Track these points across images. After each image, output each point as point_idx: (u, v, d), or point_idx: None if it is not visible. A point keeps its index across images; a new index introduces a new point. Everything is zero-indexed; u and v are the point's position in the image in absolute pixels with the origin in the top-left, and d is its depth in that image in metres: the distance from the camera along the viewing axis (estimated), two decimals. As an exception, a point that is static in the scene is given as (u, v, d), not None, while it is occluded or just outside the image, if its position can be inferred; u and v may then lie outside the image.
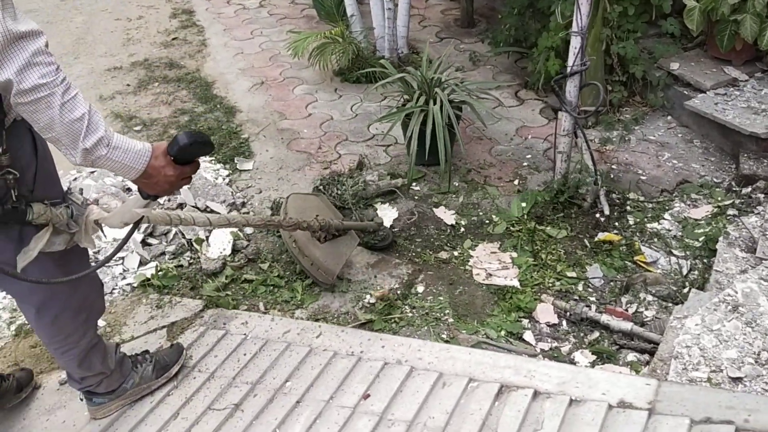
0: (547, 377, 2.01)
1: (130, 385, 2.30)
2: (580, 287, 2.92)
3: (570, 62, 3.06)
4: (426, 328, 2.69)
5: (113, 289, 2.95)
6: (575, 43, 3.01)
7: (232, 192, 3.52)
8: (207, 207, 3.34)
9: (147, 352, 2.41)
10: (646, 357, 2.53)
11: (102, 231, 1.92)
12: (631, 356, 2.54)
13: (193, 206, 3.31)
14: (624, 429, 1.76)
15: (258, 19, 5.96)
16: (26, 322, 2.76)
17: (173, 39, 5.58)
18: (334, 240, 2.93)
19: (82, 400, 2.29)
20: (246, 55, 5.23)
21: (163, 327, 2.70)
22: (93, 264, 1.99)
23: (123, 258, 3.05)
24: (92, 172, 3.46)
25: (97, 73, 5.01)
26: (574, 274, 2.98)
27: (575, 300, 2.87)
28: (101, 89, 4.77)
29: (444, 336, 2.63)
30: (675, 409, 1.79)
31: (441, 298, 2.87)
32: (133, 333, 2.69)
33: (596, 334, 2.71)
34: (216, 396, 2.25)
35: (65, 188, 1.89)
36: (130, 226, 1.87)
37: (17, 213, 1.69)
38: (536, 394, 1.96)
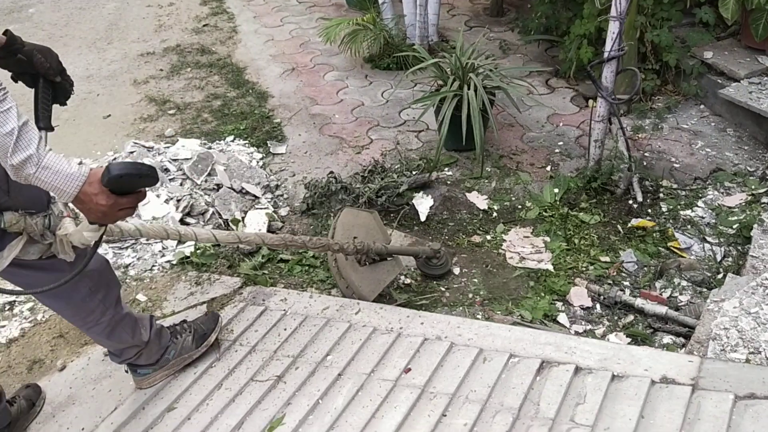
0: (588, 353, 2.03)
1: (171, 356, 2.35)
2: (613, 272, 2.94)
3: (607, 47, 3.07)
4: (461, 308, 2.73)
5: (153, 266, 3.01)
6: (613, 28, 3.01)
7: (266, 174, 3.57)
8: (242, 188, 3.39)
9: (185, 321, 2.45)
10: (682, 340, 2.54)
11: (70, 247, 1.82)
12: (667, 339, 2.56)
13: (229, 187, 3.36)
14: (667, 404, 1.79)
15: (287, 6, 6.00)
16: (70, 295, 2.83)
17: (204, 25, 5.64)
18: (376, 264, 2.71)
19: (127, 372, 2.35)
20: (276, 42, 5.27)
21: (203, 303, 2.75)
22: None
23: (162, 236, 3.11)
24: (131, 153, 3.52)
25: (131, 58, 5.08)
26: (607, 259, 3.00)
27: (609, 284, 2.88)
28: (135, 74, 4.84)
29: (479, 317, 2.66)
30: (718, 385, 1.81)
31: (475, 280, 2.90)
32: (174, 308, 2.75)
33: (630, 317, 2.72)
34: (258, 368, 2.30)
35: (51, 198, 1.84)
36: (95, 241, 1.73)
37: None
38: (578, 369, 1.99)
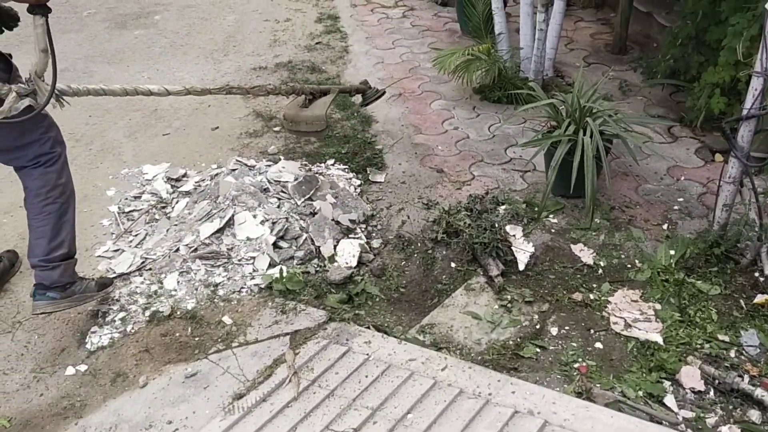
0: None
1: (77, 290, 2.71)
2: (732, 353, 2.63)
3: (747, 104, 2.77)
4: (556, 374, 2.52)
5: (242, 288, 2.99)
6: (756, 84, 2.72)
7: (370, 208, 3.48)
8: (338, 221, 3.32)
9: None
10: (811, 447, 2.22)
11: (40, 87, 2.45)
12: (793, 443, 2.24)
13: (332, 220, 3.30)
14: None
15: (401, 29, 5.96)
16: (161, 310, 2.85)
17: (317, 43, 5.69)
18: (315, 100, 3.78)
19: (32, 296, 2.67)
20: (386, 65, 5.22)
21: (287, 334, 2.69)
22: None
23: (254, 258, 3.08)
24: (233, 170, 3.54)
25: (244, 71, 5.18)
26: (726, 338, 2.69)
27: (726, 367, 2.58)
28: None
29: (576, 387, 2.44)
30: None
31: (574, 344, 2.67)
32: (257, 335, 2.71)
33: (748, 409, 2.42)
34: (335, 416, 2.20)
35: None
36: None
37: None
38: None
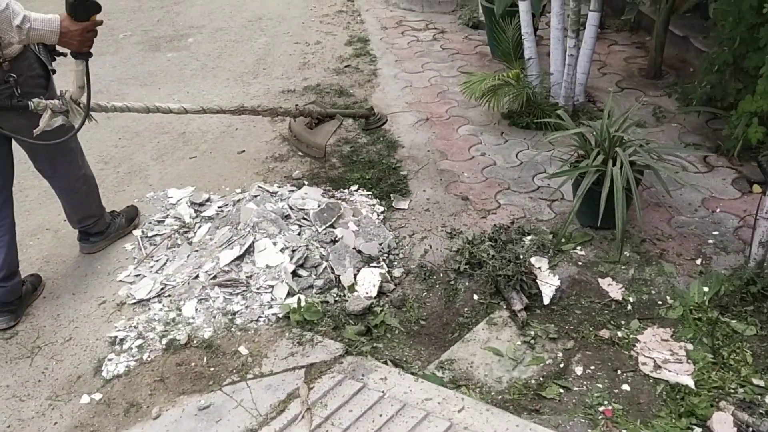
0: None
1: (112, 230, 3.51)
2: (767, 399, 2.49)
3: (786, 137, 2.65)
4: (580, 418, 2.41)
5: (259, 317, 2.95)
6: (795, 115, 2.60)
7: (393, 236, 3.42)
8: (359, 249, 3.26)
9: (115, 210, 3.62)
10: None
11: (80, 107, 2.74)
12: (835, 503, 2.09)
13: (353, 248, 3.25)
14: None
15: (430, 52, 5.93)
16: (178, 338, 2.83)
17: (346, 66, 5.69)
18: (322, 124, 3.77)
19: (79, 241, 3.46)
20: (414, 89, 5.19)
21: (302, 367, 2.64)
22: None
23: (272, 287, 3.05)
24: (255, 196, 3.52)
25: (272, 94, 5.20)
26: (761, 383, 2.55)
27: (761, 414, 2.44)
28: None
29: (600, 432, 2.33)
30: None
31: (600, 385, 2.56)
32: (272, 367, 2.66)
33: (787, 462, 2.27)
34: (346, 457, 2.13)
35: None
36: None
37: (21, 105, 2.65)
38: None
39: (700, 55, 4.96)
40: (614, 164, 3.09)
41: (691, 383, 2.55)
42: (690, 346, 2.74)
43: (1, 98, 2.64)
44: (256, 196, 3.49)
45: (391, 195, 3.80)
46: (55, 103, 2.69)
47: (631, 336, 2.81)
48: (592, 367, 2.65)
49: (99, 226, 3.42)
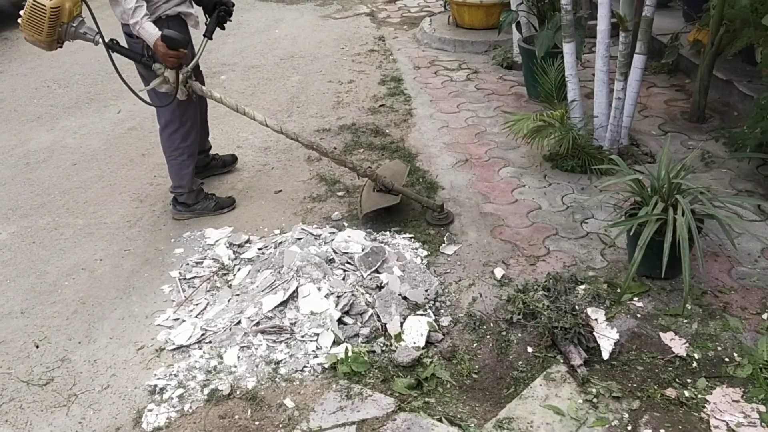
0: None
1: (198, 208, 4.01)
2: None
3: None
4: (654, 488, 2.24)
5: (304, 366, 2.82)
6: None
7: (439, 282, 3.29)
8: (405, 296, 3.14)
9: (213, 194, 4.15)
10: None
11: (185, 87, 3.62)
12: None
13: (399, 295, 3.13)
14: None
15: (465, 92, 5.87)
16: (220, 388, 2.70)
17: (380, 106, 5.64)
18: (383, 193, 3.79)
19: (169, 204, 4.10)
20: (451, 129, 5.11)
21: (353, 423, 2.50)
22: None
23: (318, 335, 2.92)
24: (298, 239, 3.42)
25: (307, 133, 5.14)
26: None
27: None
28: (310, 151, 4.85)
29: (678, 505, 2.16)
30: None
31: (672, 451, 2.40)
32: (321, 423, 2.52)
33: None
34: None
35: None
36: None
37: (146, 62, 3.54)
38: None
39: (744, 99, 4.86)
40: (676, 212, 2.96)
41: (770, 451, 2.38)
42: (763, 408, 2.57)
43: (134, 48, 3.51)
44: (299, 239, 3.39)
45: (444, 237, 3.68)
46: (170, 72, 3.49)
47: (699, 396, 2.64)
48: (662, 431, 2.49)
49: (186, 199, 3.95)
